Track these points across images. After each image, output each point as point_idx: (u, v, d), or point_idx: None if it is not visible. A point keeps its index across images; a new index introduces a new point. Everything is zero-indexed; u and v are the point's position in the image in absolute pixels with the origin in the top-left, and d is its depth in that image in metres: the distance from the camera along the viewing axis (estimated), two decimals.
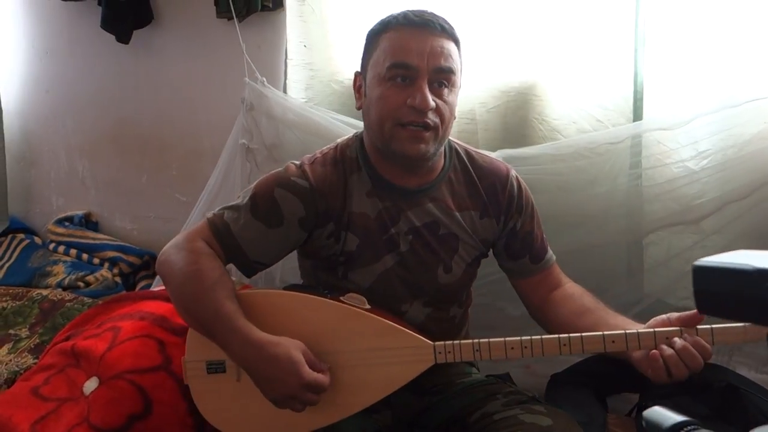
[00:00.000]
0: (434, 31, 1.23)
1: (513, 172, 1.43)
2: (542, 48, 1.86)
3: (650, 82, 1.80)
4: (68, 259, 2.35)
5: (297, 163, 1.34)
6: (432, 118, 1.23)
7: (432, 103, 1.21)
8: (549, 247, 1.46)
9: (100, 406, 1.32)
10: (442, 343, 1.20)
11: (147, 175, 2.41)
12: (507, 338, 1.17)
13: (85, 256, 2.36)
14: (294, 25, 1.99)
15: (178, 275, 1.23)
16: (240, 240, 1.27)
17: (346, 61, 2.01)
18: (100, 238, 2.42)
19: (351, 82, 1.98)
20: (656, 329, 1.12)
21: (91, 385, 1.38)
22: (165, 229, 2.42)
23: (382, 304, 1.31)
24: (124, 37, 2.14)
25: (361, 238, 1.32)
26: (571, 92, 1.85)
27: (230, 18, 2.06)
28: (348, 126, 1.90)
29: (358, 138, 1.38)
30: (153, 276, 2.37)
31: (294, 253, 1.42)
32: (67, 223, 2.45)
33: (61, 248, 2.38)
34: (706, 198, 1.72)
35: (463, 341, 1.19)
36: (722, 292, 0.67)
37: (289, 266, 1.80)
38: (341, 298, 1.28)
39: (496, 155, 1.56)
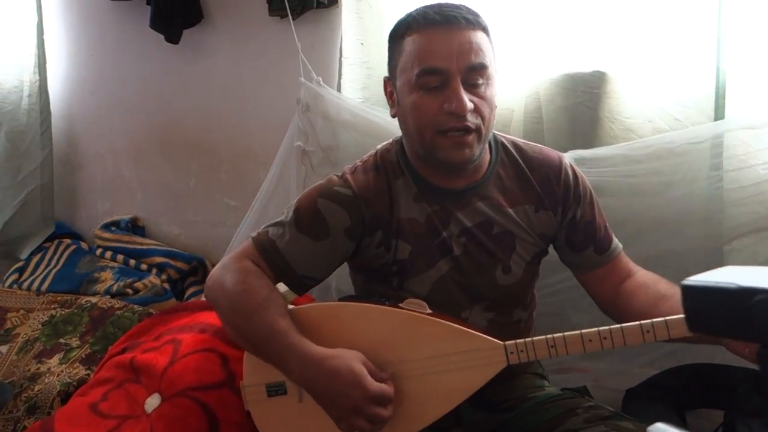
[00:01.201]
0: (459, 26, 1.16)
1: (566, 160, 1.35)
2: (615, 42, 1.75)
3: (733, 78, 1.68)
4: (115, 264, 2.30)
5: (338, 174, 1.30)
6: (472, 120, 1.16)
7: (470, 105, 1.15)
8: (614, 236, 1.37)
9: (164, 426, 1.26)
10: (513, 342, 1.12)
11: (195, 179, 2.35)
12: (583, 330, 1.09)
13: (132, 261, 2.30)
14: (350, 22, 1.91)
15: (228, 297, 1.20)
16: (287, 255, 1.23)
17: None
18: (147, 243, 2.36)
19: None
20: None
21: (153, 402, 1.32)
22: (213, 234, 2.37)
23: (442, 313, 1.23)
24: (173, 37, 2.08)
25: (412, 244, 1.26)
26: (647, 89, 1.73)
27: (283, 16, 1.99)
28: None
29: (397, 142, 1.33)
30: (201, 282, 2.32)
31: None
32: (113, 228, 2.39)
33: (108, 254, 2.33)
34: None
35: (535, 338, 1.11)
36: (710, 311, 0.68)
37: (344, 272, 1.73)
38: (400, 304, 1.20)
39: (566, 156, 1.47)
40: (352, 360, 1.09)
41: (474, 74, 1.16)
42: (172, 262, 2.28)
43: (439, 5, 1.19)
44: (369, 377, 1.08)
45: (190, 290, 2.28)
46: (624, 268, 1.36)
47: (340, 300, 1.43)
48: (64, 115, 2.40)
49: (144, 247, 2.34)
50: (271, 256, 1.23)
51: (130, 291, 2.16)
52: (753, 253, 1.72)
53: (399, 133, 1.78)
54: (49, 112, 2.32)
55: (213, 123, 2.26)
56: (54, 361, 1.85)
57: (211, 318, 1.50)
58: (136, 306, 2.03)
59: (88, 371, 1.78)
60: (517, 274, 1.31)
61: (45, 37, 2.26)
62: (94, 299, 2.09)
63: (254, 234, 1.28)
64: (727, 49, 1.67)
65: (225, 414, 1.29)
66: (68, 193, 2.49)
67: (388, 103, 1.31)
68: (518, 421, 1.32)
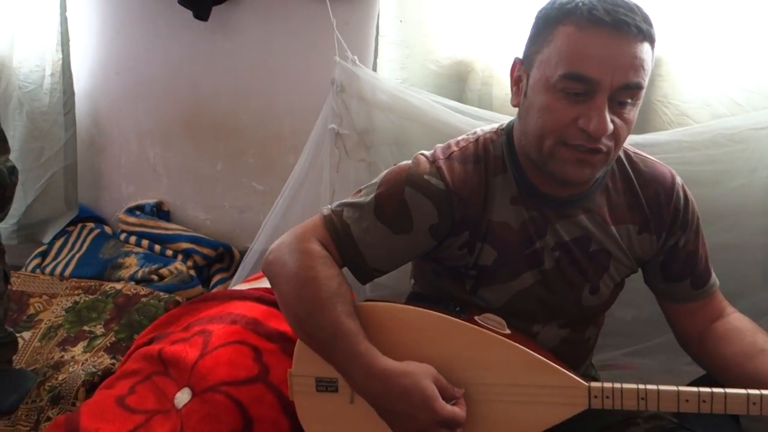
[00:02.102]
0: (629, 36, 0.97)
1: (678, 179, 1.20)
2: (669, 21, 1.64)
3: None
4: (140, 250, 2.23)
5: (428, 155, 1.14)
6: (606, 143, 1.00)
7: (610, 128, 0.98)
8: (713, 270, 1.24)
9: (196, 422, 1.19)
10: (599, 385, 1.01)
11: (222, 163, 2.27)
12: (681, 387, 0.98)
13: (157, 247, 2.24)
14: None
15: (291, 281, 1.06)
16: (360, 245, 1.09)
17: (444, 38, 1.82)
18: (172, 228, 2.29)
19: (448, 62, 1.86)
20: None
21: (183, 397, 1.25)
22: (240, 219, 2.30)
23: (512, 323, 1.12)
24: (202, 14, 1.98)
25: (499, 251, 1.13)
26: (705, 71, 1.63)
27: None
28: (452, 110, 1.72)
29: (505, 132, 1.17)
30: (227, 269, 2.26)
31: None
32: (138, 212, 2.33)
33: (133, 238, 2.27)
34: None
35: (625, 385, 1.00)
36: None
37: None
38: (476, 318, 1.10)
39: None
40: (424, 378, 0.98)
41: (626, 94, 0.99)
42: (198, 249, 2.21)
43: (614, 2, 0.98)
44: (440, 400, 0.98)
45: (217, 277, 2.21)
46: (717, 307, 1.23)
47: (408, 298, 1.30)
48: (88, 95, 2.32)
49: (169, 232, 2.27)
50: (343, 241, 1.10)
51: (155, 277, 2.09)
52: None
53: (441, 118, 1.72)
54: (72, 93, 2.24)
55: (241, 104, 2.17)
56: (78, 349, 1.79)
57: (242, 308, 1.43)
58: (161, 293, 1.96)
59: (113, 360, 1.72)
60: (604, 295, 1.20)
61: (68, 14, 2.17)
62: (118, 285, 2.03)
63: (326, 211, 1.13)
64: None
65: (259, 411, 1.21)
66: (92, 176, 2.42)
67: (512, 88, 1.12)
68: (573, 427, 1.22)
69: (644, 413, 1.17)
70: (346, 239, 1.10)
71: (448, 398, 1.00)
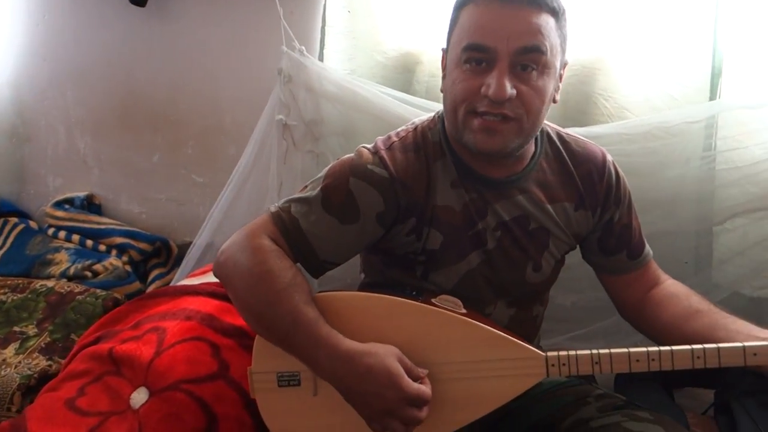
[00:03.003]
0: (521, 5, 1.04)
1: (609, 157, 1.28)
2: (608, 17, 1.71)
3: (729, 58, 1.66)
4: (71, 245, 2.12)
5: (370, 147, 1.17)
6: (512, 108, 1.06)
7: (509, 92, 1.04)
8: (646, 242, 1.32)
9: (156, 423, 1.15)
10: (555, 354, 1.06)
11: (159, 154, 2.19)
12: (631, 349, 1.03)
13: (89, 242, 2.13)
14: None
15: (245, 279, 1.06)
16: (310, 237, 1.11)
17: (392, 29, 1.82)
18: (105, 222, 2.19)
19: (396, 54, 1.86)
20: None
21: (140, 397, 1.20)
22: (178, 212, 2.22)
23: (465, 305, 1.16)
24: None
25: (445, 234, 1.17)
26: (643, 66, 1.70)
27: None
28: (400, 101, 1.72)
29: (440, 119, 1.22)
30: (165, 264, 2.18)
31: None
32: (67, 206, 2.21)
33: (62, 234, 2.15)
34: None
35: (579, 352, 1.05)
36: None
37: None
38: (433, 300, 1.12)
39: None
40: (388, 357, 1.00)
41: (525, 58, 1.05)
42: (134, 243, 2.12)
43: None
44: (406, 377, 0.99)
45: (154, 273, 2.12)
46: (653, 276, 1.32)
47: (360, 288, 1.32)
48: (10, 83, 2.19)
49: (102, 226, 2.17)
50: (293, 236, 1.11)
51: (89, 274, 1.99)
52: (743, 233, 1.72)
53: (389, 109, 1.72)
54: None
55: (180, 94, 2.10)
56: (9, 351, 1.69)
57: (195, 304, 1.39)
58: (98, 290, 1.87)
59: (50, 362, 1.63)
60: (546, 272, 1.26)
61: None
62: (50, 283, 1.92)
63: (273, 209, 1.14)
64: (723, 29, 1.66)
65: (222, 408, 1.18)
66: (14, 168, 2.29)
67: (442, 75, 1.19)
68: (528, 410, 1.27)
69: (594, 392, 1.24)
70: (296, 233, 1.11)
71: (413, 378, 1.01)
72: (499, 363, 1.06)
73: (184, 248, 2.16)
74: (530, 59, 1.06)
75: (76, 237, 2.15)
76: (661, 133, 1.66)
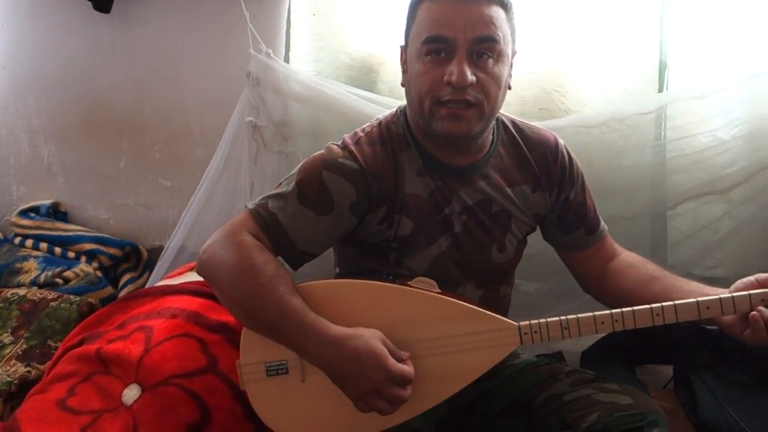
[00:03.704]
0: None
1: (561, 141, 1.37)
2: (562, 18, 1.80)
3: (675, 50, 1.77)
4: (39, 253, 2.10)
5: (339, 144, 1.24)
6: (474, 94, 1.14)
7: (470, 78, 1.12)
8: (600, 217, 1.42)
9: (152, 417, 1.17)
10: (527, 323, 1.12)
11: (125, 159, 2.19)
12: (596, 312, 1.11)
13: (58, 249, 2.12)
14: None
15: (230, 274, 1.11)
16: (289, 230, 1.16)
17: (356, 31, 1.88)
18: (73, 229, 2.18)
19: (361, 54, 1.92)
20: (751, 292, 1.08)
21: (132, 393, 1.23)
22: (146, 216, 2.23)
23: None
24: (104, 4, 1.91)
25: (414, 220, 1.24)
26: (597, 63, 1.80)
27: None
28: (366, 100, 1.78)
29: (402, 113, 1.29)
30: (135, 269, 2.18)
31: None
32: (32, 215, 2.19)
33: (29, 242, 2.13)
34: (736, 167, 1.73)
35: (549, 319, 1.12)
36: None
37: None
38: (409, 282, 1.18)
39: None
40: (373, 339, 1.06)
41: (481, 47, 1.14)
42: (103, 249, 2.12)
43: None
44: (391, 358, 1.05)
45: (125, 277, 2.12)
46: (610, 249, 1.41)
47: (337, 277, 1.37)
48: None
49: (70, 233, 2.16)
50: (272, 229, 1.16)
51: (60, 281, 1.99)
52: (694, 217, 1.83)
53: (357, 108, 1.78)
54: None
55: (146, 99, 2.11)
56: None
57: (179, 302, 1.42)
58: (72, 296, 1.86)
59: (29, 367, 1.63)
60: (510, 253, 1.33)
61: None
62: (21, 291, 1.90)
63: (251, 206, 1.19)
64: (669, 24, 1.76)
65: (214, 400, 1.22)
66: None
67: (402, 71, 1.26)
68: (502, 389, 1.33)
69: (565, 369, 1.31)
70: (275, 227, 1.16)
71: (396, 360, 1.06)
72: (475, 336, 1.12)
73: (154, 252, 2.18)
74: (486, 48, 1.14)
75: (44, 245, 2.13)
76: (615, 125, 1.76)
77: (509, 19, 1.18)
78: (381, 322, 1.10)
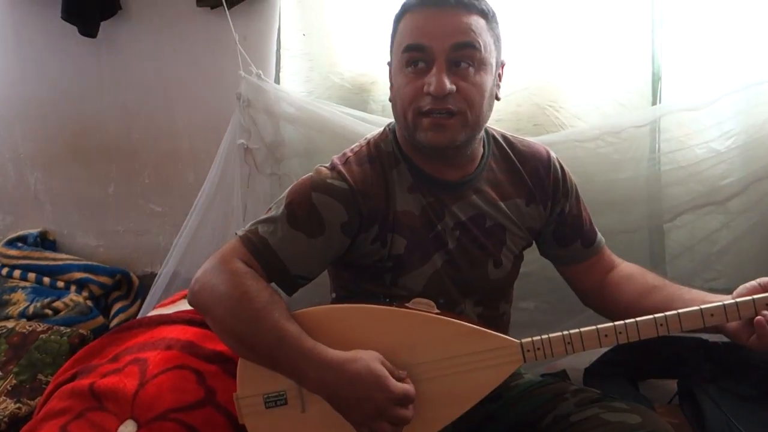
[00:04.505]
0: (450, 7, 1.13)
1: (553, 154, 1.36)
2: (555, 33, 1.80)
3: (668, 63, 1.77)
4: (27, 284, 2.06)
5: (327, 165, 1.23)
6: (455, 102, 1.13)
7: (449, 87, 1.11)
8: (597, 229, 1.40)
9: None
10: (529, 340, 1.10)
11: (114, 185, 2.16)
12: (599, 326, 1.09)
13: (46, 279, 2.08)
14: (290, 13, 1.83)
15: (223, 302, 1.08)
16: (281, 254, 1.14)
17: (347, 50, 1.86)
18: (62, 258, 2.14)
19: (352, 74, 1.90)
20: (755, 297, 1.06)
21: (127, 430, 1.18)
22: (137, 243, 2.19)
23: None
24: (90, 29, 1.88)
25: (408, 238, 1.22)
26: (590, 77, 1.79)
27: (213, 6, 1.87)
28: (358, 120, 1.76)
29: (391, 131, 1.28)
30: (127, 297, 2.15)
31: None
32: (20, 244, 2.15)
33: (17, 272, 2.09)
34: (732, 178, 1.73)
35: (551, 335, 1.09)
36: None
37: None
38: (407, 304, 1.16)
39: None
40: (372, 361, 1.04)
41: (460, 54, 1.13)
42: (93, 277, 2.08)
43: None
44: (391, 378, 1.03)
45: (117, 306, 2.08)
46: (608, 260, 1.39)
47: (333, 302, 1.35)
48: None
49: (59, 262, 2.12)
50: (263, 255, 1.13)
51: (49, 312, 1.94)
52: (692, 229, 1.82)
53: (349, 128, 1.76)
54: None
55: (134, 124, 2.08)
56: None
57: (174, 332, 1.38)
58: (62, 328, 1.82)
59: (19, 404, 1.59)
60: (507, 268, 1.31)
61: None
62: (9, 324, 1.86)
63: (241, 233, 1.17)
64: (661, 36, 1.76)
65: None
66: None
67: (390, 87, 1.25)
68: (507, 411, 1.31)
69: (570, 388, 1.28)
70: (267, 252, 1.14)
71: (396, 380, 1.04)
72: (476, 356, 1.10)
73: (145, 279, 2.15)
74: (465, 55, 1.13)
75: (32, 275, 2.09)
76: (610, 138, 1.75)
77: (491, 27, 1.17)
78: (379, 345, 1.08)
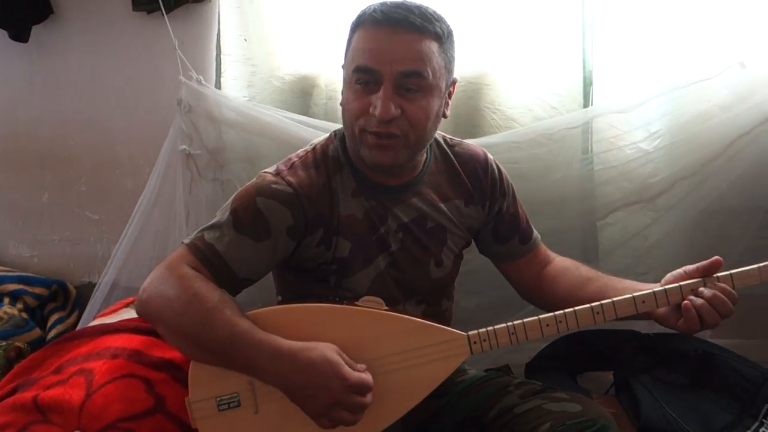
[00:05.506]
0: (404, 30, 1.13)
1: (490, 156, 1.41)
2: (491, 37, 1.85)
3: (598, 67, 1.85)
4: None
5: (272, 171, 1.24)
6: (399, 126, 1.15)
7: (393, 112, 1.13)
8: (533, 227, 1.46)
9: None
10: (476, 332, 1.15)
11: (48, 193, 2.09)
12: (540, 316, 1.14)
13: None
14: (230, 18, 1.82)
15: (174, 306, 1.09)
16: (228, 259, 1.15)
17: (287, 54, 1.87)
18: None
19: (293, 78, 1.92)
20: (681, 283, 1.14)
21: None
22: (74, 252, 2.13)
23: None
24: (21, 34, 1.82)
25: (352, 241, 1.25)
26: (524, 80, 1.86)
27: (150, 11, 1.85)
28: (301, 124, 1.77)
29: (338, 137, 1.30)
30: (64, 308, 2.08)
31: None
32: None
33: None
34: (659, 176, 1.82)
35: (497, 326, 1.14)
36: None
37: None
38: (356, 303, 1.19)
39: None
40: (328, 350, 1.06)
41: (407, 81, 1.14)
42: (28, 289, 2.02)
43: (394, 4, 1.15)
44: (347, 366, 1.05)
45: (53, 317, 2.02)
46: (544, 256, 1.45)
47: (280, 303, 1.35)
48: None
49: None
50: (211, 261, 1.14)
51: None
52: (623, 226, 1.91)
53: (292, 132, 1.77)
54: None
55: (69, 130, 2.03)
56: None
57: (119, 341, 1.35)
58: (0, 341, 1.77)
59: None
60: (448, 267, 1.35)
61: None
62: None
63: (187, 240, 1.17)
64: (591, 41, 1.84)
65: None
66: None
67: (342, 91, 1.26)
68: (454, 406, 1.35)
69: (514, 381, 1.33)
70: (213, 257, 1.15)
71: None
72: (427, 349, 1.14)
73: (83, 289, 2.10)
74: (412, 83, 1.14)
75: None
76: (544, 140, 1.82)
77: (444, 51, 1.18)
78: (333, 343, 1.09)
